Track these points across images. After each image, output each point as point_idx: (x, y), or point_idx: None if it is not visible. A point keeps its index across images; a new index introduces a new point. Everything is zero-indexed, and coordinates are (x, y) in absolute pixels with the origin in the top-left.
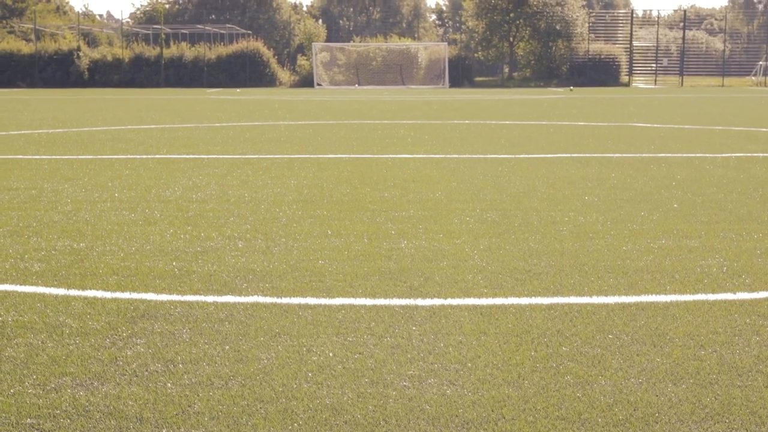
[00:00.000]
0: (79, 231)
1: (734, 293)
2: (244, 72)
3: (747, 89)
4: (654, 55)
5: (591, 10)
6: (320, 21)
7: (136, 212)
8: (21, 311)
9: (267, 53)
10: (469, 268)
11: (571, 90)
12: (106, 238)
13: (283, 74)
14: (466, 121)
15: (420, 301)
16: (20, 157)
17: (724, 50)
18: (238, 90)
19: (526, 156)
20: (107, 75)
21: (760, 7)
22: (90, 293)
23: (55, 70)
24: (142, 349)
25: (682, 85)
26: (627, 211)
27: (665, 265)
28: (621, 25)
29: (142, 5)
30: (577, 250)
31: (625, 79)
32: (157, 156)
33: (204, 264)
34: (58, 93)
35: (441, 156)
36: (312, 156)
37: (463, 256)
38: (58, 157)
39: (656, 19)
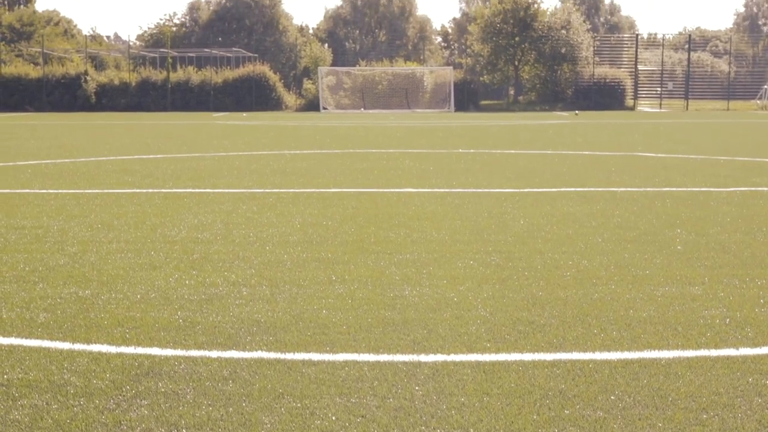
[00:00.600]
0: (84, 276)
1: (737, 348)
2: (250, 96)
3: (752, 113)
4: (659, 78)
5: (596, 34)
6: (326, 45)
7: (142, 255)
8: (26, 368)
9: (273, 77)
10: (473, 319)
11: (576, 114)
12: (112, 285)
13: (289, 98)
14: (471, 150)
15: (423, 357)
16: (27, 191)
17: (729, 72)
18: (244, 114)
19: (531, 190)
20: (114, 99)
21: (766, 29)
22: (95, 347)
23: (62, 94)
24: (146, 412)
25: (687, 108)
26: (631, 254)
27: (668, 316)
28: (626, 48)
29: (149, 28)
30: (580, 298)
31: (630, 102)
32: (163, 190)
33: (208, 314)
34: (66, 118)
35: (446, 190)
36: (317, 190)
37: (467, 305)
38: (64, 191)
39: (661, 41)
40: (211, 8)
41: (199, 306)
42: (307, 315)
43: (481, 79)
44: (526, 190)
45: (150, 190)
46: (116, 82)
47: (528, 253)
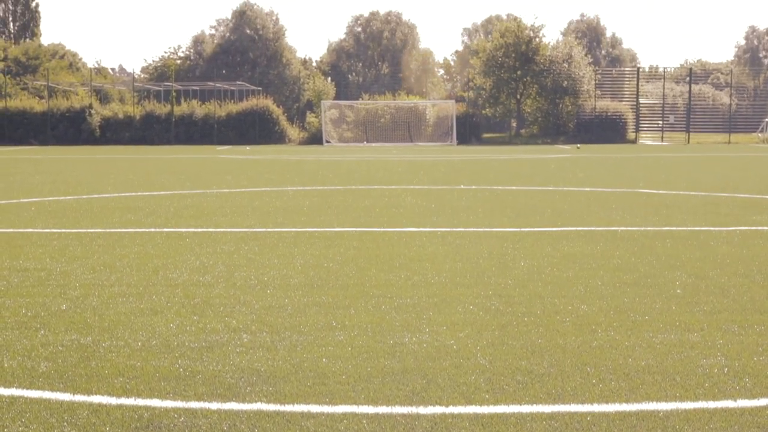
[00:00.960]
0: (86, 322)
1: (735, 400)
2: (253, 129)
3: (754, 146)
4: (660, 111)
5: (597, 68)
6: (329, 79)
7: (143, 299)
8: (27, 421)
9: (276, 111)
10: (472, 368)
11: (578, 148)
12: (113, 331)
13: (293, 131)
14: (473, 186)
15: (422, 409)
16: (30, 230)
17: (730, 105)
18: (247, 148)
19: (532, 229)
20: (118, 132)
21: (766, 61)
22: (95, 399)
23: (67, 128)
24: None
25: (688, 142)
26: (630, 298)
27: (666, 365)
28: (627, 81)
29: (153, 60)
30: (579, 346)
31: (632, 135)
32: (166, 230)
33: (209, 362)
34: (70, 152)
35: (447, 229)
36: (319, 229)
37: (466, 353)
38: (68, 230)
39: (662, 73)
40: (216, 41)
41: (200, 354)
42: (306, 364)
43: (483, 112)
44: (526, 229)
45: (153, 230)
46: (120, 115)
47: (528, 297)
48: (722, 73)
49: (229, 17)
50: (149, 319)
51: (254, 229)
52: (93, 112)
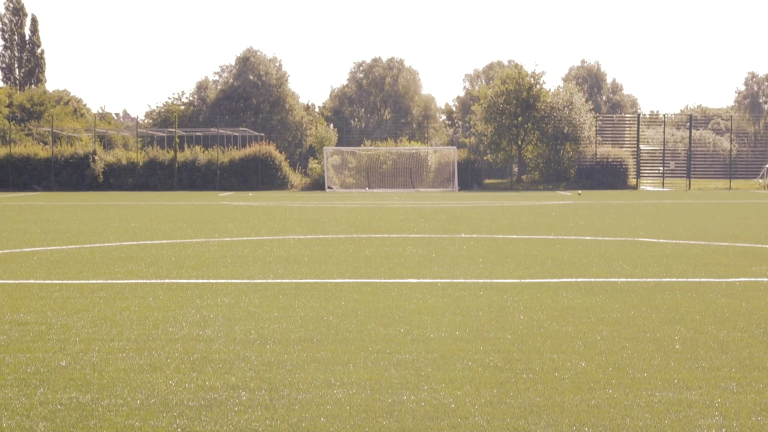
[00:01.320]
0: (85, 379)
1: None
2: (256, 175)
3: (754, 192)
4: (661, 157)
5: (598, 114)
6: (332, 125)
7: (143, 355)
8: None
9: (279, 157)
10: (470, 429)
11: (579, 194)
12: (112, 388)
13: (295, 177)
14: (474, 235)
15: None
16: (32, 281)
17: (731, 150)
18: (250, 194)
19: (532, 281)
20: (121, 178)
21: (767, 107)
22: None
23: (70, 174)
24: None
25: (689, 188)
26: (629, 354)
27: (664, 425)
28: (628, 126)
29: (157, 106)
30: (577, 405)
31: (633, 181)
32: (167, 281)
33: (207, 422)
34: (73, 198)
35: (447, 281)
36: (320, 281)
37: (464, 412)
38: (69, 281)
39: (663, 119)
40: (219, 87)
41: (198, 413)
42: (305, 424)
43: (484, 158)
44: (527, 280)
45: (154, 281)
46: (124, 161)
47: (527, 353)
48: (723, 119)
49: (233, 63)
50: (148, 376)
51: (255, 280)
52: (96, 158)
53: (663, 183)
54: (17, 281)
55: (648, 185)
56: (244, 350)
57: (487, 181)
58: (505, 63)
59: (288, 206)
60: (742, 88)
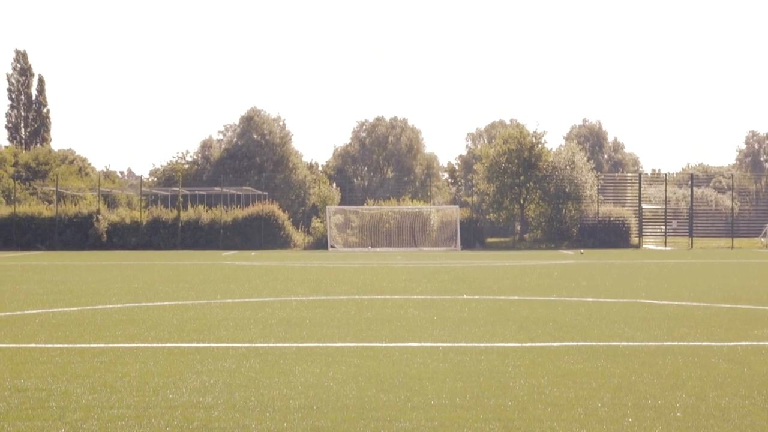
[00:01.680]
0: None
1: None
2: (259, 234)
3: (756, 252)
4: (663, 215)
5: (599, 173)
6: (335, 184)
7: (142, 423)
8: None
9: (282, 216)
10: None
11: (581, 253)
12: None
13: (298, 236)
14: (476, 297)
15: None
16: (33, 345)
17: (732, 209)
18: (252, 253)
19: (533, 345)
20: (125, 237)
21: None
22: None
23: (74, 233)
24: None
25: (692, 246)
26: (630, 423)
27: None
28: (630, 185)
29: (162, 165)
30: None
31: (635, 240)
32: (168, 345)
33: None
34: (76, 257)
35: (448, 344)
36: (321, 345)
37: None
38: (70, 345)
39: (664, 177)
40: (223, 146)
41: None
42: None
43: (487, 217)
44: (528, 344)
45: (155, 345)
46: (127, 220)
47: (527, 421)
48: (724, 177)
49: (237, 123)
50: None
51: (256, 344)
52: (100, 217)
53: (665, 242)
54: (18, 345)
55: (650, 244)
56: (243, 418)
57: (489, 239)
58: (507, 122)
59: (290, 266)
60: (743, 146)
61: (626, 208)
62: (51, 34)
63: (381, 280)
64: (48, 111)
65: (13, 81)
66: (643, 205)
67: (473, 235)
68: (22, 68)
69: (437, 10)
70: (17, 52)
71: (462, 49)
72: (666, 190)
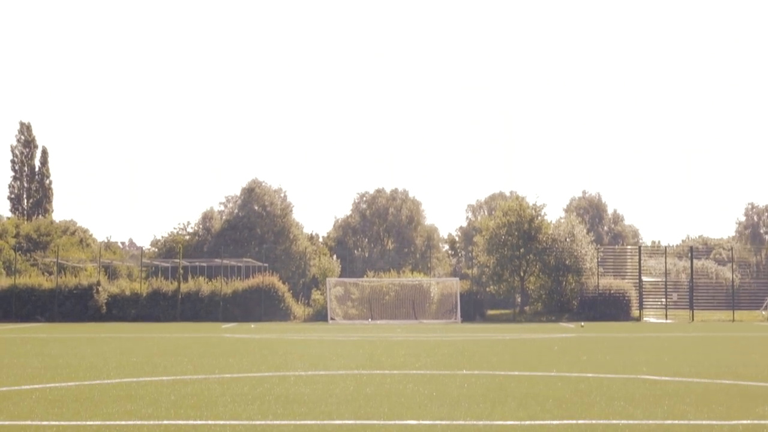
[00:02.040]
0: None
1: None
2: (259, 306)
3: (758, 325)
4: (664, 288)
5: (599, 246)
6: (335, 256)
7: None
8: None
9: (282, 288)
10: None
11: (581, 326)
12: None
13: (298, 308)
14: (475, 372)
15: None
16: (29, 422)
17: (733, 281)
18: (252, 326)
19: (532, 423)
20: (125, 309)
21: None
22: None
23: (74, 305)
24: None
25: (693, 319)
26: None
27: None
28: (630, 257)
29: (162, 236)
30: None
31: (636, 313)
32: (165, 422)
33: None
34: (75, 329)
35: (447, 422)
36: (319, 422)
37: None
38: (66, 423)
39: (664, 250)
40: (224, 218)
41: None
42: None
43: (487, 289)
44: (527, 422)
45: (151, 422)
46: (127, 292)
47: None
48: (724, 249)
49: (238, 194)
50: None
51: (254, 422)
52: (100, 289)
53: (666, 314)
54: (14, 422)
55: (651, 317)
56: None
57: (490, 311)
58: (507, 193)
59: (290, 339)
60: (743, 218)
61: (626, 280)
62: (55, 106)
63: (381, 354)
64: (50, 182)
65: (17, 152)
66: (644, 278)
67: (474, 308)
68: (26, 140)
69: (437, 82)
70: (22, 124)
71: (462, 122)
72: (666, 263)
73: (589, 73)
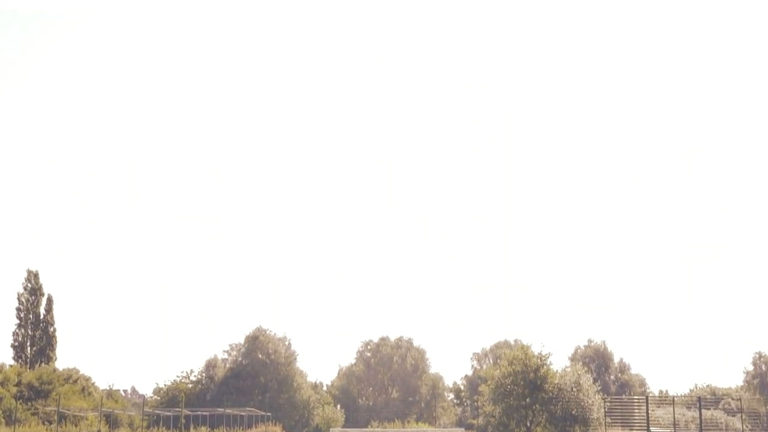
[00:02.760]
0: None
1: None
2: None
3: None
4: None
5: (606, 396)
6: (338, 405)
7: None
8: None
9: None
10: None
11: None
12: None
13: None
14: None
15: None
16: None
17: (743, 430)
18: None
19: None
20: None
21: None
22: None
23: None
24: None
25: None
26: None
27: None
28: (637, 407)
29: (165, 384)
30: None
31: None
32: None
33: None
34: None
35: None
36: None
37: None
38: None
39: (672, 399)
40: (228, 366)
41: None
42: None
43: None
44: None
45: None
46: None
47: None
48: (733, 399)
49: (242, 342)
50: None
51: None
52: None
53: None
54: None
55: None
56: None
57: None
58: (512, 342)
59: None
60: (750, 367)
61: (634, 431)
62: (62, 253)
63: None
64: (54, 330)
65: (23, 300)
66: (652, 428)
67: None
68: (33, 288)
69: (437, 222)
70: (29, 272)
71: (465, 264)
72: (674, 413)
73: (594, 218)
